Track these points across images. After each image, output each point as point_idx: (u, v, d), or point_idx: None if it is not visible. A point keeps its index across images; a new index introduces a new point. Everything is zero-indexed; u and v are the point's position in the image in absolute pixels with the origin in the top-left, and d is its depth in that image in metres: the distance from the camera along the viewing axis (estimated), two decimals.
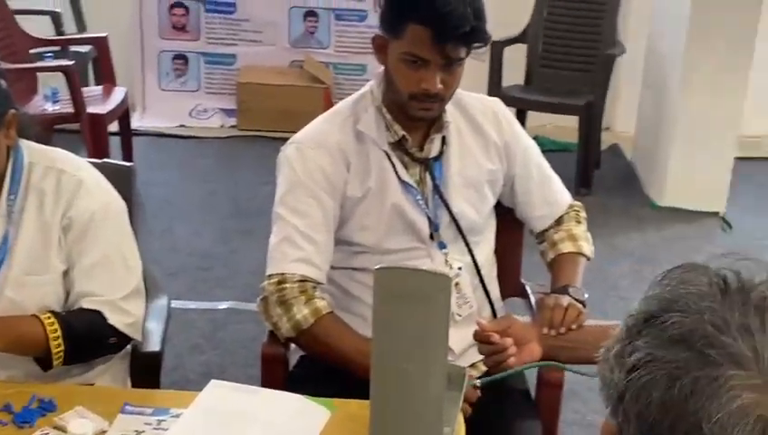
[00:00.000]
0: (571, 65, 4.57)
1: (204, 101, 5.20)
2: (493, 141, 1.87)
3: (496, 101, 1.97)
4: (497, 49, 4.33)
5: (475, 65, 1.81)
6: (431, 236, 1.81)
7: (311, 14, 5.18)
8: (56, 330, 1.48)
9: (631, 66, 4.80)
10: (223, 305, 3.26)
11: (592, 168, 4.49)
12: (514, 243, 2.04)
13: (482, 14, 1.68)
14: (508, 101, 4.32)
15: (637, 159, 4.77)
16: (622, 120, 5.10)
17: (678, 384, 0.64)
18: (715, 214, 4.22)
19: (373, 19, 5.03)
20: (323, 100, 5.00)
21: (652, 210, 4.30)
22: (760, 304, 0.67)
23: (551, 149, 4.75)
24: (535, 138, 4.70)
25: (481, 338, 1.60)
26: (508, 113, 1.96)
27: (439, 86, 1.68)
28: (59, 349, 1.49)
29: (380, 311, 1.20)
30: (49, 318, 1.49)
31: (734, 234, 4.10)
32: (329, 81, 5.09)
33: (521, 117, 4.59)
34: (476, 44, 1.70)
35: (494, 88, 4.36)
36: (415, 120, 1.77)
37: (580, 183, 4.31)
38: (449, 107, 1.81)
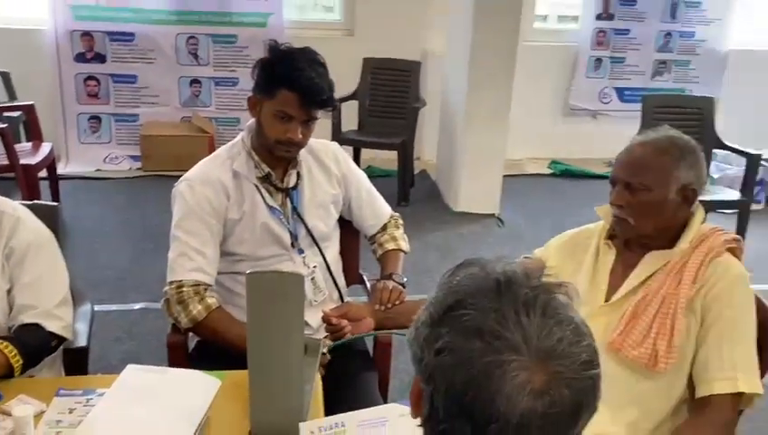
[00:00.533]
0: (390, 115, 4.67)
1: (115, 150, 4.97)
2: (334, 173, 1.92)
3: (335, 144, 2.02)
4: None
5: (323, 116, 1.84)
6: (292, 245, 1.83)
7: (195, 81, 5.04)
8: (12, 350, 1.45)
9: (432, 113, 4.92)
10: (137, 306, 3.18)
11: (409, 187, 4.60)
12: (353, 245, 2.10)
13: (333, 87, 1.73)
14: (347, 142, 4.50)
15: (439, 179, 4.92)
16: (428, 151, 5.23)
17: (475, 367, 0.68)
18: (492, 215, 4.40)
19: (243, 84, 4.99)
20: (208, 146, 4.89)
21: (451, 215, 4.43)
22: (526, 301, 0.71)
23: (379, 175, 4.90)
24: (368, 167, 4.83)
25: (324, 320, 1.69)
26: (343, 152, 2.01)
27: (300, 136, 1.71)
28: (18, 364, 1.45)
29: (253, 303, 1.20)
30: (7, 347, 1.45)
31: (505, 227, 4.30)
32: (212, 131, 4.98)
33: (356, 153, 4.71)
34: (329, 108, 1.74)
35: (336, 133, 4.40)
36: (278, 159, 1.80)
37: (401, 198, 4.41)
38: (302, 150, 1.83)
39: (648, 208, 1.48)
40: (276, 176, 1.82)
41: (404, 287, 1.86)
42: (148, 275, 3.32)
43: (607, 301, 1.55)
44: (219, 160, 1.82)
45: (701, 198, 3.24)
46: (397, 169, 4.52)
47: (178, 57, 4.92)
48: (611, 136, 5.54)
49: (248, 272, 1.25)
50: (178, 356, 1.73)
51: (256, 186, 1.80)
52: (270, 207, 1.81)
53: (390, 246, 1.98)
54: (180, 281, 1.70)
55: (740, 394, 1.39)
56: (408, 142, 4.46)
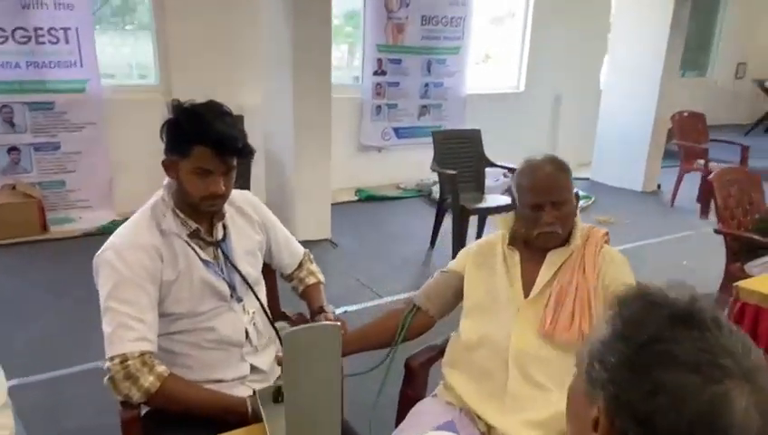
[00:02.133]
0: None
1: None
2: (255, 220, 1.65)
3: (248, 192, 1.74)
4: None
5: None
6: (231, 295, 1.51)
7: (13, 148, 4.14)
8: None
9: (255, 159, 4.61)
10: None
11: None
12: (271, 285, 1.81)
13: (245, 135, 1.46)
14: None
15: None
16: (254, 193, 4.88)
17: (701, 403, 0.53)
18: (326, 239, 4.26)
19: (66, 147, 4.25)
20: (38, 211, 4.06)
21: None
22: (711, 320, 0.58)
23: None
24: None
25: (280, 363, 1.41)
26: (258, 200, 1.74)
27: (223, 188, 1.42)
28: None
29: (290, 363, 0.93)
30: None
31: (339, 248, 4.18)
32: (38, 195, 4.12)
33: None
34: (247, 155, 1.47)
35: None
36: (204, 214, 1.47)
37: None
38: None
39: (569, 217, 1.50)
40: (204, 230, 1.50)
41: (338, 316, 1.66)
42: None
43: (526, 297, 1.52)
44: (144, 224, 1.45)
45: (485, 205, 3.40)
46: None
47: None
48: (395, 164, 5.79)
49: (284, 332, 0.97)
50: (134, 431, 1.32)
51: (187, 242, 1.47)
52: (204, 262, 1.48)
53: (311, 280, 1.76)
54: (124, 354, 1.31)
55: None
56: (244, 186, 4.09)
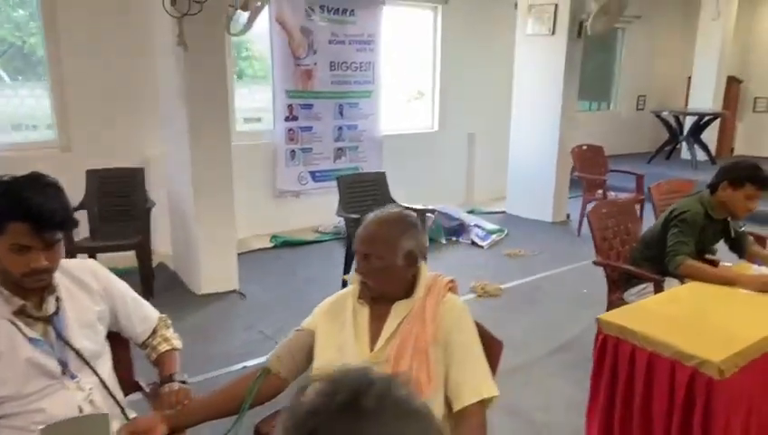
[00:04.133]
0: (122, 219, 4.12)
1: None
2: (95, 290, 1.59)
3: (91, 261, 1.69)
4: None
5: None
6: (63, 372, 1.44)
7: None
8: None
9: (162, 209, 4.47)
10: None
11: (151, 280, 4.11)
12: (124, 355, 1.74)
13: (68, 205, 1.42)
14: (82, 250, 3.87)
15: (178, 268, 4.50)
16: (161, 244, 4.72)
17: None
18: (234, 290, 4.16)
19: None
20: None
21: (196, 299, 4.06)
22: (374, 409, 0.58)
23: (121, 274, 4.31)
24: (109, 268, 4.18)
25: None
26: (102, 268, 1.68)
27: (45, 263, 1.37)
28: None
29: None
30: None
31: (247, 299, 4.09)
32: None
33: (92, 258, 4.08)
34: (69, 228, 1.42)
35: (69, 244, 3.73)
36: (31, 291, 1.41)
37: (146, 293, 3.90)
38: (57, 273, 1.48)
39: (382, 273, 1.53)
40: (33, 305, 1.44)
41: (186, 384, 1.61)
42: None
43: (372, 350, 1.54)
44: None
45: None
46: (137, 266, 4.01)
47: None
48: (312, 208, 5.78)
49: (41, 429, 0.93)
50: None
51: (11, 321, 1.40)
52: (31, 340, 1.41)
53: (164, 347, 1.70)
54: None
55: (484, 399, 1.48)
56: (144, 240, 3.99)
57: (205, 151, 3.86)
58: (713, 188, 2.68)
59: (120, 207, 4.14)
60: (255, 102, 5.85)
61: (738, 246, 2.81)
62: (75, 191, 4.08)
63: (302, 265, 4.85)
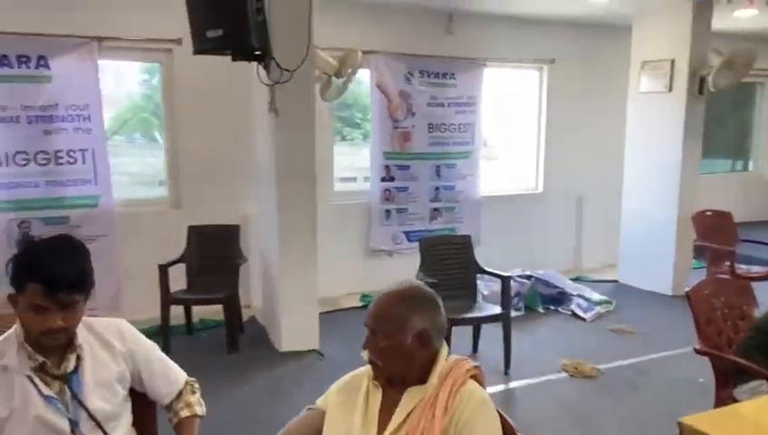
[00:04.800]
0: (216, 272, 4.29)
1: None
2: (118, 350, 1.61)
3: (121, 321, 1.72)
4: (163, 269, 4.05)
5: None
6: (73, 432, 1.46)
7: None
8: None
9: (257, 265, 4.73)
10: None
11: (237, 335, 4.23)
12: (149, 415, 1.74)
13: (86, 269, 1.47)
14: (176, 301, 4.11)
15: (266, 323, 4.60)
16: (256, 299, 4.94)
17: None
18: (313, 350, 4.14)
19: None
20: None
21: (277, 356, 4.09)
22: None
23: (212, 326, 4.53)
24: (200, 320, 4.41)
25: None
26: (130, 328, 1.71)
27: (60, 323, 1.41)
28: None
29: None
30: None
31: (326, 360, 4.05)
32: None
33: (187, 310, 4.36)
34: (82, 291, 1.47)
35: (165, 293, 4.02)
36: (53, 348, 1.46)
37: (230, 347, 4.04)
38: (82, 331, 1.53)
39: (389, 353, 1.39)
40: (53, 363, 1.48)
41: None
42: None
43: None
44: None
45: (472, 314, 3.22)
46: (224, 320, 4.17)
47: (9, 241, 4.31)
48: (406, 268, 5.69)
49: None
50: None
51: (29, 377, 1.45)
52: (46, 397, 1.45)
53: (185, 413, 1.67)
54: None
55: None
56: (232, 295, 4.14)
57: (291, 213, 3.98)
58: None
59: (215, 262, 4.35)
60: (356, 162, 6.01)
61: None
62: (179, 245, 4.42)
63: None
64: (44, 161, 4.37)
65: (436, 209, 5.89)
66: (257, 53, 3.60)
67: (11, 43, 4.15)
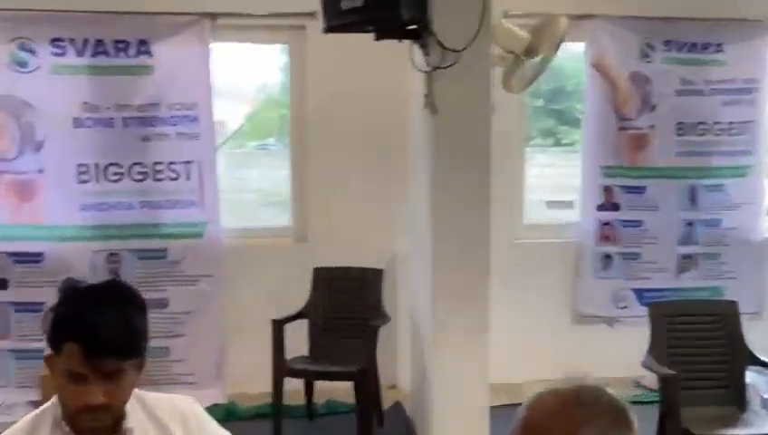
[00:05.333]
0: (348, 335, 4.53)
1: (12, 395, 4.87)
2: None
3: (188, 401, 1.86)
4: (277, 326, 4.34)
5: None
6: None
7: None
8: None
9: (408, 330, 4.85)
10: None
11: (373, 427, 4.35)
12: None
13: (138, 329, 1.62)
14: (290, 372, 4.37)
15: (414, 414, 4.67)
16: (404, 378, 5.04)
17: None
18: None
19: (175, 305, 5.00)
20: None
21: None
22: None
23: (342, 411, 4.71)
24: (327, 402, 4.63)
25: None
26: (199, 411, 1.84)
27: (102, 399, 1.56)
28: None
29: None
30: None
31: None
32: None
33: (308, 385, 4.60)
34: (131, 358, 1.61)
35: (278, 360, 4.30)
36: (87, 432, 1.62)
37: None
38: (136, 410, 1.69)
39: None
40: None
41: None
42: None
43: None
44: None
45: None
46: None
47: (95, 278, 4.95)
48: (635, 346, 5.41)
49: None
50: None
51: None
52: None
53: None
54: None
55: None
56: (366, 370, 4.28)
57: (451, 256, 4.01)
58: None
59: (348, 320, 4.55)
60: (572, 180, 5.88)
61: None
62: (303, 292, 4.70)
63: None
64: (140, 177, 4.98)
65: (688, 256, 5.54)
66: (411, 27, 3.74)
67: (105, 24, 4.79)
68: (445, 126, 3.94)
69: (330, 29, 3.68)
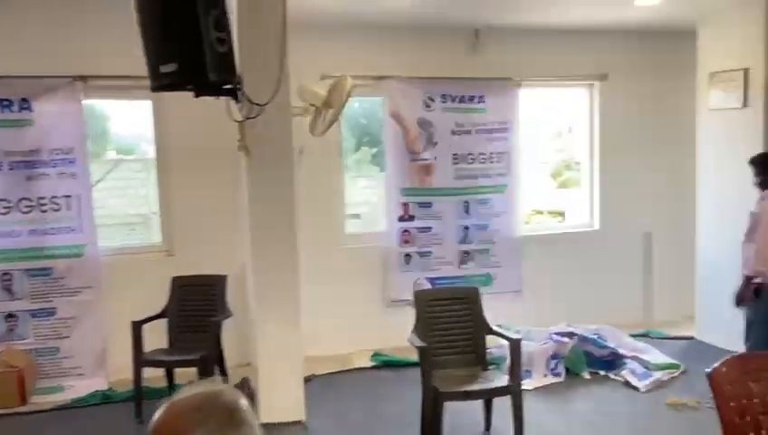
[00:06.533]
0: (197, 330, 4.22)
1: None
2: None
3: None
4: (136, 326, 4.03)
5: None
6: None
7: (10, 315, 4.55)
8: None
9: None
10: None
11: None
12: None
13: None
14: (150, 363, 4.04)
15: (255, 385, 4.42)
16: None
17: None
18: (297, 422, 3.90)
19: (61, 313, 4.58)
20: (17, 381, 4.30)
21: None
22: None
23: None
24: (190, 381, 4.30)
25: None
26: None
27: None
28: None
29: None
30: None
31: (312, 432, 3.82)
32: (23, 364, 4.37)
33: (169, 372, 4.29)
34: None
35: (137, 354, 3.99)
36: None
37: None
38: None
39: None
40: None
41: None
42: None
43: None
44: None
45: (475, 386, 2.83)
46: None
47: None
48: None
49: None
50: None
51: None
52: None
53: None
54: None
55: None
56: (208, 357, 4.00)
57: (268, 263, 3.83)
58: None
59: (197, 317, 4.27)
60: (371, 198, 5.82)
61: None
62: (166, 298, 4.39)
63: (395, 394, 4.43)
64: (27, 209, 4.52)
65: (466, 253, 5.56)
66: (226, 86, 3.54)
67: None
68: (257, 164, 3.77)
69: (154, 89, 3.41)
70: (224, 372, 4.29)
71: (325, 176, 5.23)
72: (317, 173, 5.11)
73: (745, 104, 4.76)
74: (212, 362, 4.09)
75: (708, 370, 2.21)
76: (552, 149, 6.49)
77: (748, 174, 4.64)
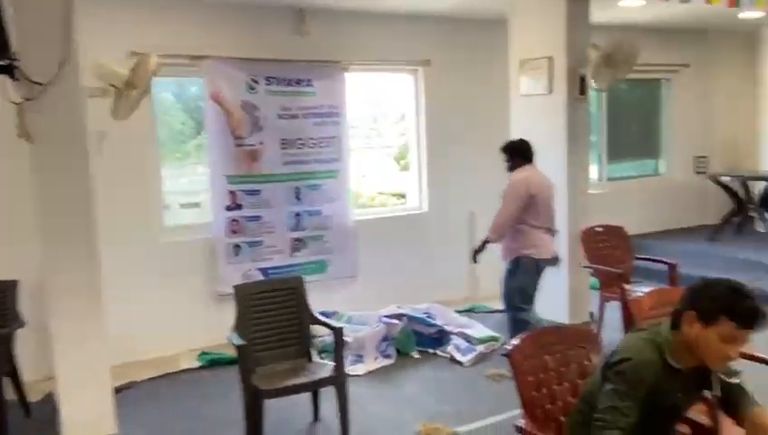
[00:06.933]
0: None
1: None
2: None
3: None
4: None
5: None
6: None
7: None
8: None
9: None
10: None
11: (4, 417, 3.57)
12: None
13: None
14: None
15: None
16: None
17: None
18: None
19: None
20: None
21: None
22: None
23: None
24: None
25: None
26: None
27: None
28: None
29: None
30: None
31: None
32: None
33: None
34: None
35: None
36: None
37: None
38: None
39: None
40: None
41: None
42: None
43: None
44: None
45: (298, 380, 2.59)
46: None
47: None
48: None
49: None
50: None
51: None
52: None
53: None
54: None
55: None
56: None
57: (61, 259, 3.38)
58: (674, 320, 1.87)
59: None
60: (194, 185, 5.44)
61: (728, 406, 1.94)
62: None
63: (221, 394, 4.17)
64: None
65: (298, 240, 5.41)
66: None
67: None
68: (44, 150, 3.28)
69: None
70: (19, 389, 3.76)
71: (137, 164, 4.78)
72: (128, 160, 4.66)
73: (550, 90, 5.08)
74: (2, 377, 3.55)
75: (505, 351, 2.26)
76: (395, 132, 6.51)
77: (553, 158, 5.01)
